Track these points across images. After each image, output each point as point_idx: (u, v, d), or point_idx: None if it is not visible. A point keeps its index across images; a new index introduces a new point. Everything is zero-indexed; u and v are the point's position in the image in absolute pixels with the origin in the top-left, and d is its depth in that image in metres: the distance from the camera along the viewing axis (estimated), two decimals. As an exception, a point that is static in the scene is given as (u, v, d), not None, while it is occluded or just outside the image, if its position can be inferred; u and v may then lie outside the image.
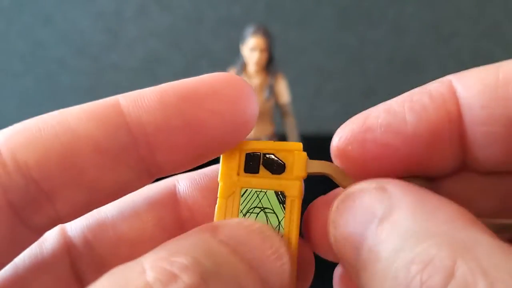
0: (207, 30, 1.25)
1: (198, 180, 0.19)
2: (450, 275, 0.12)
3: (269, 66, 0.72)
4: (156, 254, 0.14)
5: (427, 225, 0.13)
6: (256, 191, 0.18)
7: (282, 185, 0.18)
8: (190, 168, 0.18)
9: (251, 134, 0.82)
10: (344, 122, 0.18)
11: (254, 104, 0.16)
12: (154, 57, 1.28)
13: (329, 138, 0.18)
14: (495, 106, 0.16)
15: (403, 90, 0.19)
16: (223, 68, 1.26)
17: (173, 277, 0.12)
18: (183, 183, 0.19)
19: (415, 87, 0.19)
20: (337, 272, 0.19)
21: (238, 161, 0.18)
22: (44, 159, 0.15)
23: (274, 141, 0.18)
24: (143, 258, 0.13)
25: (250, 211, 0.17)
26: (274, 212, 0.17)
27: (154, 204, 0.19)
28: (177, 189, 0.19)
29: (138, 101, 0.16)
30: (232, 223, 0.16)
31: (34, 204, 0.15)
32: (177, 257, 0.13)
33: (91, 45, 1.27)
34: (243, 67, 0.72)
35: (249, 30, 0.70)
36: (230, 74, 0.17)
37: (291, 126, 0.75)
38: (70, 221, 0.16)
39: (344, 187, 0.17)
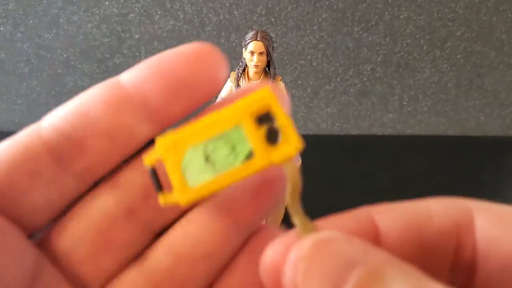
0: (208, 34, 1.26)
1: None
2: None
3: (269, 69, 0.72)
4: None
5: None
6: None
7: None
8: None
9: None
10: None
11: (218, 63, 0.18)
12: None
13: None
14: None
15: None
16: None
17: None
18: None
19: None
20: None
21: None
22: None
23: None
24: None
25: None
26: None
27: None
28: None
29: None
30: None
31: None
32: None
33: (96, 48, 1.28)
34: (243, 70, 0.72)
35: (249, 34, 0.71)
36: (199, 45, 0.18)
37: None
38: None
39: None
